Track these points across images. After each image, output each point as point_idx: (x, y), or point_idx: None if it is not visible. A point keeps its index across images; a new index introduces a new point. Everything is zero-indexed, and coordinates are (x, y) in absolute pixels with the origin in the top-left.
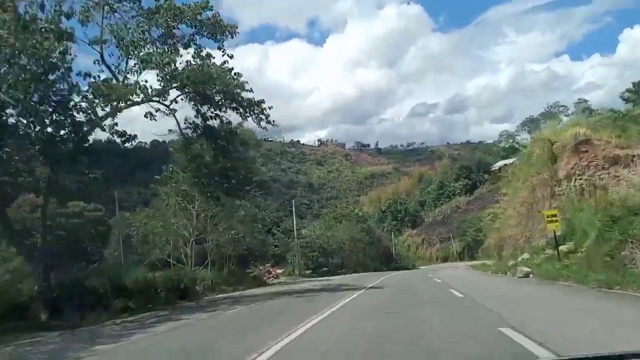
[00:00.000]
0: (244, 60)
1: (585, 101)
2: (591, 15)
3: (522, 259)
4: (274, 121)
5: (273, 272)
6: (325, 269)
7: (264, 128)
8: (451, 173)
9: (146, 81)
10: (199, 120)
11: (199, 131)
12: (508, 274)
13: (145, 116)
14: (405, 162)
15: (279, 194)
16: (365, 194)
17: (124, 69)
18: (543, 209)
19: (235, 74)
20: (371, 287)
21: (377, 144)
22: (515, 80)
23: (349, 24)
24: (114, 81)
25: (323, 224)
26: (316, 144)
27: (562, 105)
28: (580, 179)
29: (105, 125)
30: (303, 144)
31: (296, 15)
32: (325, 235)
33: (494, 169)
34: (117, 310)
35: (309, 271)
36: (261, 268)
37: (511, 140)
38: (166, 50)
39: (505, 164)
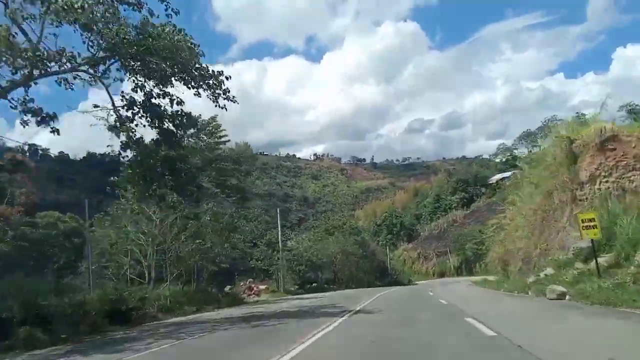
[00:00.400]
0: (241, 76)
1: (584, 115)
2: (585, 33)
3: (545, 275)
4: (233, 97)
5: (255, 289)
6: (314, 284)
7: (222, 107)
8: (447, 186)
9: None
10: (138, 96)
11: (136, 108)
12: (530, 293)
13: (60, 84)
14: (400, 177)
15: (271, 206)
16: (361, 208)
17: (38, 27)
18: (562, 217)
19: (185, 34)
20: (358, 311)
21: (372, 159)
22: (510, 97)
23: (346, 40)
24: (26, 41)
25: (312, 235)
26: (312, 158)
27: (559, 120)
28: (607, 181)
29: (13, 99)
30: (299, 158)
31: (294, 32)
32: (314, 247)
33: (491, 182)
34: (20, 341)
35: (296, 287)
36: (242, 284)
37: (508, 154)
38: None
39: (503, 178)
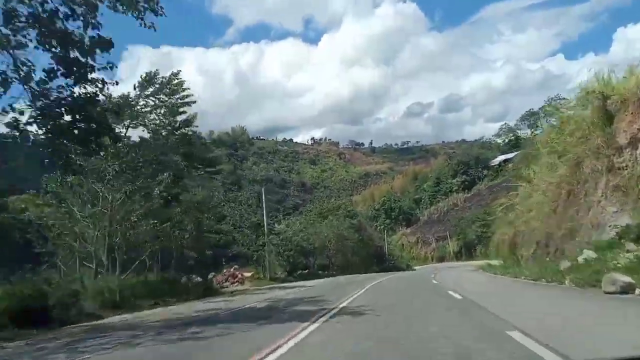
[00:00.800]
0: (238, 59)
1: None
2: (587, 13)
3: (585, 259)
4: (162, 8)
5: (239, 276)
6: (304, 271)
7: (149, 26)
8: (448, 169)
9: None
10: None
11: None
12: (567, 283)
13: None
14: (399, 161)
15: (268, 191)
16: (359, 193)
17: None
18: (596, 190)
19: None
20: (342, 309)
21: (371, 143)
22: (510, 79)
23: (344, 22)
24: None
25: (304, 219)
26: (309, 142)
27: (563, 98)
28: None
29: None
30: (296, 142)
31: (291, 14)
32: (305, 231)
33: (493, 164)
34: None
35: (285, 273)
36: (225, 272)
37: (511, 135)
38: None
39: (506, 159)
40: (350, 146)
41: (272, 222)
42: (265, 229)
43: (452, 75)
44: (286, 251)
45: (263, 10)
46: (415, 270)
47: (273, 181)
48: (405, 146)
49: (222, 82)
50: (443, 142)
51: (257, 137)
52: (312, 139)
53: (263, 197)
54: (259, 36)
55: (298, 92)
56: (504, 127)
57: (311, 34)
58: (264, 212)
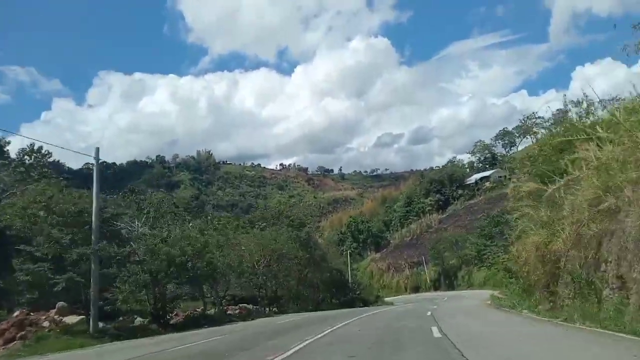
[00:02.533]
0: (212, 87)
1: (566, 112)
2: (546, 53)
3: None
4: None
5: (31, 328)
6: (196, 312)
7: None
8: (420, 188)
9: None
10: None
11: None
12: None
13: None
14: (369, 188)
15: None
16: (327, 219)
17: None
18: None
19: None
20: None
21: (340, 169)
22: (476, 113)
23: (317, 54)
24: None
25: (209, 224)
26: (278, 168)
27: (539, 117)
28: None
29: None
30: (264, 167)
31: (266, 45)
32: (192, 240)
33: (469, 182)
34: None
35: (149, 319)
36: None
37: (487, 152)
38: None
39: (483, 177)
40: (319, 172)
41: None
42: (93, 224)
43: (422, 108)
44: (146, 273)
45: (238, 40)
46: (391, 305)
47: (239, 206)
48: (375, 173)
49: (195, 109)
50: (412, 170)
51: (223, 162)
52: (281, 164)
53: (95, 169)
54: (233, 65)
55: (271, 121)
56: (478, 144)
57: (285, 65)
58: (94, 192)
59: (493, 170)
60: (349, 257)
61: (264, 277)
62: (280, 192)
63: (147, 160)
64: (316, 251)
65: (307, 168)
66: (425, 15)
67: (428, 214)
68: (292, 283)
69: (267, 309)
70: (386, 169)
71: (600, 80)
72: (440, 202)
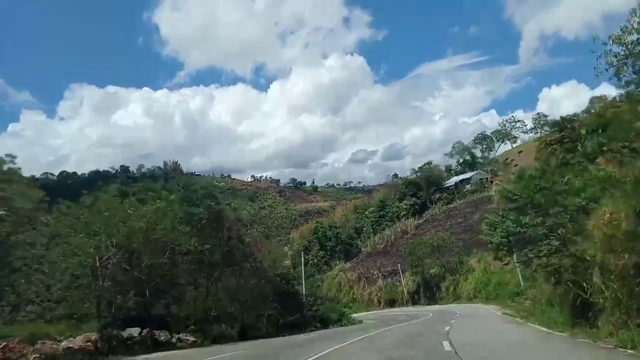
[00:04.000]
0: (187, 102)
1: (545, 116)
2: (515, 74)
3: None
4: None
5: None
6: None
7: None
8: (394, 192)
9: None
10: None
11: None
12: None
13: None
14: (342, 200)
15: None
16: (297, 230)
17: None
18: None
19: None
20: None
21: (313, 182)
22: (448, 131)
23: (294, 71)
24: None
25: None
26: (249, 179)
27: (518, 120)
28: None
29: None
30: (234, 178)
31: (243, 60)
32: None
33: (447, 185)
34: None
35: None
36: None
37: (467, 154)
38: None
39: (462, 180)
40: (291, 184)
41: None
42: None
43: (395, 126)
44: None
45: (214, 55)
46: (357, 322)
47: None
48: (348, 186)
49: (170, 123)
50: (385, 182)
51: (192, 173)
52: (252, 176)
53: None
54: (209, 80)
55: (246, 136)
56: (457, 145)
57: (262, 81)
58: None
59: (473, 172)
60: (304, 263)
61: (115, 283)
62: (250, 203)
63: (111, 170)
64: (241, 246)
65: (279, 180)
66: (400, 34)
67: (403, 219)
68: (200, 299)
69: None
70: (359, 182)
71: (566, 101)
72: (417, 207)
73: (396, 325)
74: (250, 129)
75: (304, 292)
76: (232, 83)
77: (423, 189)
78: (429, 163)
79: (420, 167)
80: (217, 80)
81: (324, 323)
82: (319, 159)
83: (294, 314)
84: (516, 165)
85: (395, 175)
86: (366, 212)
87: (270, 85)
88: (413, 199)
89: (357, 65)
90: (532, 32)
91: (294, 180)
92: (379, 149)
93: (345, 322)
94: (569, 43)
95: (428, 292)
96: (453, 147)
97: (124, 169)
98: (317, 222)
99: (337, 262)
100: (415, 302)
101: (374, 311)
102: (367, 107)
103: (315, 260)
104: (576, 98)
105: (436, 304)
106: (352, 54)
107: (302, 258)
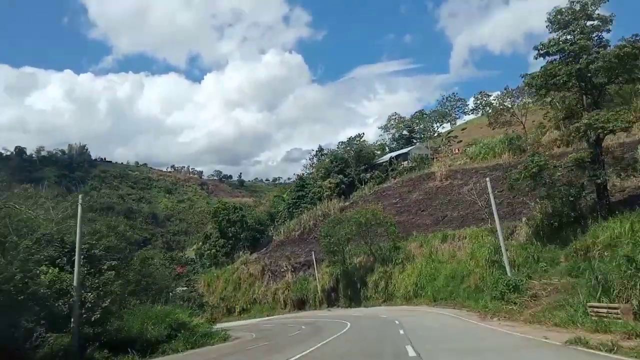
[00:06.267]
0: (114, 89)
1: (488, 95)
2: (445, 83)
3: None
4: None
5: None
6: None
7: None
8: (318, 168)
9: None
10: None
11: None
12: None
13: None
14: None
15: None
16: None
17: None
18: None
19: None
20: None
21: (240, 176)
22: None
23: (230, 64)
24: None
25: None
26: (167, 170)
27: (460, 99)
28: None
29: None
30: (151, 167)
31: (176, 49)
32: None
33: (381, 161)
34: None
35: None
36: None
37: (405, 126)
38: None
39: (399, 155)
40: (215, 176)
41: None
42: None
43: (330, 126)
44: None
45: (146, 41)
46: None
47: (115, 210)
48: (276, 182)
49: (93, 110)
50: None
51: (101, 159)
52: (172, 166)
53: None
54: (139, 67)
55: (176, 129)
56: (394, 117)
57: (196, 72)
58: None
59: (411, 147)
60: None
61: None
62: (167, 195)
63: (3, 151)
64: None
65: (202, 172)
66: (338, 36)
67: (326, 200)
68: None
69: None
70: (289, 178)
71: None
72: (343, 186)
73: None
74: (180, 121)
75: (73, 297)
76: (164, 72)
77: (352, 166)
78: (360, 136)
79: (349, 139)
80: (148, 68)
81: (122, 346)
82: (252, 157)
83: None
84: (460, 141)
85: (320, 149)
86: (284, 195)
87: (205, 77)
88: (339, 176)
89: (295, 63)
90: (462, 44)
91: (218, 173)
92: (314, 149)
93: (182, 344)
94: (495, 57)
95: (350, 289)
96: (389, 119)
97: (20, 150)
98: (220, 202)
99: (242, 253)
100: (332, 304)
101: (274, 317)
102: (303, 106)
103: (214, 250)
104: None
105: (360, 306)
106: (290, 52)
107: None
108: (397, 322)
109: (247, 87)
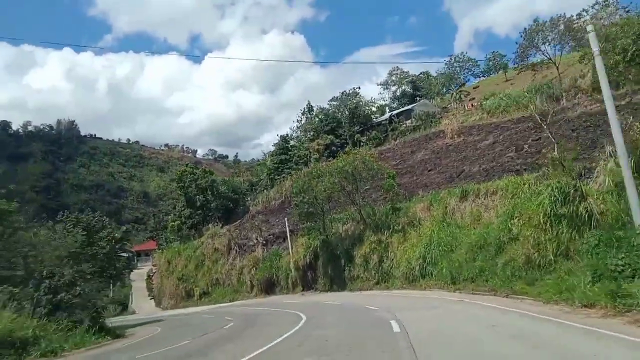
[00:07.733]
0: (114, 68)
1: (503, 55)
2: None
3: None
4: None
5: None
6: None
7: None
8: (306, 129)
9: None
10: None
11: None
12: None
13: None
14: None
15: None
16: None
17: None
18: None
19: None
20: None
21: (236, 155)
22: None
23: (231, 44)
24: None
25: None
26: (161, 147)
27: (470, 59)
28: None
29: None
30: (143, 145)
31: (177, 29)
32: None
33: (380, 121)
34: None
35: None
36: None
37: (407, 79)
38: None
39: (400, 113)
40: (209, 155)
41: None
42: None
43: None
44: None
45: (147, 21)
46: None
47: (105, 187)
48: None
49: (92, 89)
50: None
51: (91, 135)
52: (166, 144)
53: None
54: (139, 47)
55: (176, 110)
56: (396, 71)
57: (196, 52)
58: None
59: (416, 103)
60: None
61: None
62: (160, 174)
63: None
64: None
65: (196, 150)
66: (341, 17)
67: (312, 162)
68: None
69: None
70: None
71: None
72: (334, 148)
73: None
74: (180, 102)
75: None
76: (164, 52)
77: (345, 127)
78: (355, 92)
79: (342, 94)
80: (148, 47)
81: None
82: (252, 139)
83: None
84: (473, 99)
85: (310, 107)
86: (267, 162)
87: (206, 57)
88: (330, 137)
89: (297, 44)
90: (467, 27)
91: (213, 152)
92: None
93: None
94: (501, 40)
95: (331, 266)
96: (390, 73)
97: (4, 124)
98: (188, 165)
99: (212, 226)
100: (308, 286)
101: (235, 302)
102: (305, 88)
103: (178, 222)
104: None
105: (344, 289)
106: (292, 32)
107: None
108: (394, 322)
109: (249, 68)
